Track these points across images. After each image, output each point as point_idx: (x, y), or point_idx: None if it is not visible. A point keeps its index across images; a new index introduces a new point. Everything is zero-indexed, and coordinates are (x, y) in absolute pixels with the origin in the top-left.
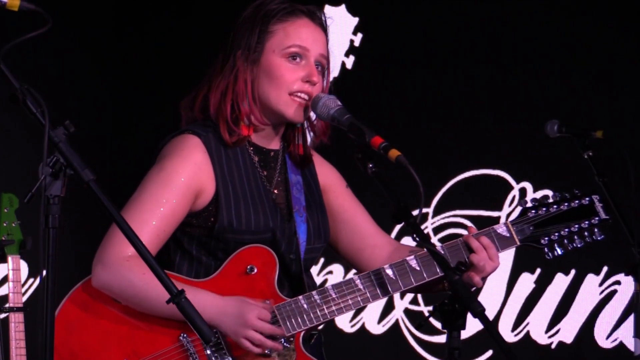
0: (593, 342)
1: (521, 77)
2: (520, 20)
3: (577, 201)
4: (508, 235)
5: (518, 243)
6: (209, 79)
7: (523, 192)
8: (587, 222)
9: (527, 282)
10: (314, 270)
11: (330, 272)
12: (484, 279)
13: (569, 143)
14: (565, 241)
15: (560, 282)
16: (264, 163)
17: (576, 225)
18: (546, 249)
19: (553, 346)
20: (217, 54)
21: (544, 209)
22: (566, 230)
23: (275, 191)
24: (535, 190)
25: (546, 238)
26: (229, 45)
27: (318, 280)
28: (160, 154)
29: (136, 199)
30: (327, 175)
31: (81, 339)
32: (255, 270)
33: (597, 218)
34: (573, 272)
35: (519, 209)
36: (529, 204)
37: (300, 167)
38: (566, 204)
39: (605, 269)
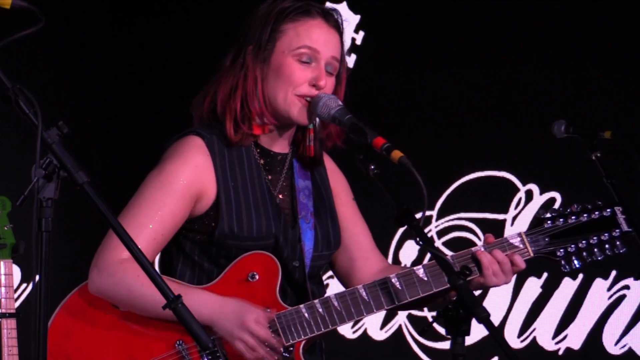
0: (601, 348)
1: (528, 77)
2: (527, 20)
3: (597, 212)
4: (521, 246)
5: (532, 255)
6: (219, 75)
7: (529, 194)
8: (607, 234)
9: (533, 286)
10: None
11: (332, 277)
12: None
13: (577, 144)
14: (584, 254)
15: (568, 287)
16: (270, 167)
17: (595, 237)
18: (563, 262)
19: (560, 352)
20: (227, 48)
21: (562, 219)
22: (584, 242)
23: (280, 196)
24: (542, 193)
25: (562, 250)
26: (240, 39)
27: None
28: (163, 156)
29: (134, 202)
30: (337, 181)
31: (78, 344)
32: (257, 277)
33: (618, 230)
34: (581, 276)
35: (528, 214)
36: (547, 214)
37: (310, 170)
38: (585, 215)
39: (613, 273)
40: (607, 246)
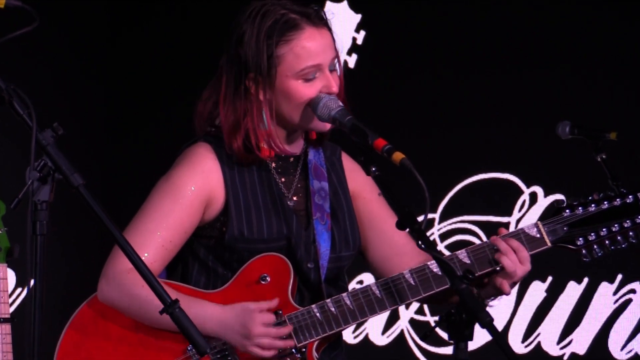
0: (607, 354)
1: (531, 77)
2: (531, 20)
3: (619, 199)
4: (538, 236)
5: (549, 244)
6: (216, 95)
7: (533, 196)
8: (629, 221)
9: (538, 290)
10: None
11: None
12: (513, 284)
13: (582, 145)
14: (607, 242)
15: (573, 291)
16: (282, 169)
17: (616, 225)
18: (584, 251)
19: (565, 358)
20: (219, 66)
21: (581, 208)
22: (605, 230)
23: (295, 198)
24: (546, 195)
25: (582, 239)
26: (235, 67)
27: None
28: (173, 164)
29: (143, 209)
30: (358, 181)
31: (89, 355)
32: (268, 280)
33: None
34: (586, 280)
35: (532, 216)
36: (565, 203)
37: (321, 147)
38: (606, 202)
39: (619, 277)
40: (631, 233)
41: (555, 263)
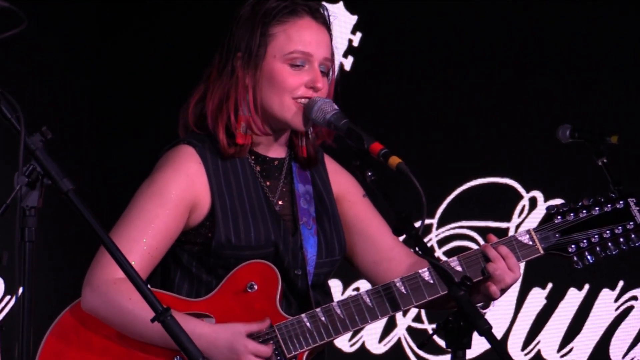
0: None
1: (531, 80)
2: (530, 22)
3: (610, 205)
4: (531, 243)
5: (542, 252)
6: (205, 83)
7: (533, 201)
8: (620, 227)
9: (537, 297)
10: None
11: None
12: (503, 291)
13: (582, 149)
14: (598, 249)
15: (573, 298)
16: (267, 173)
17: (608, 231)
18: (575, 258)
19: None
20: (213, 55)
21: (572, 214)
22: (597, 236)
23: (280, 202)
24: (546, 200)
25: (574, 246)
26: (226, 46)
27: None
28: (155, 167)
29: (126, 215)
30: (342, 184)
31: None
32: (256, 288)
33: (632, 223)
34: (587, 287)
35: (532, 222)
36: (557, 209)
37: (309, 172)
38: (597, 208)
39: (621, 283)
40: (621, 240)
41: (555, 269)
